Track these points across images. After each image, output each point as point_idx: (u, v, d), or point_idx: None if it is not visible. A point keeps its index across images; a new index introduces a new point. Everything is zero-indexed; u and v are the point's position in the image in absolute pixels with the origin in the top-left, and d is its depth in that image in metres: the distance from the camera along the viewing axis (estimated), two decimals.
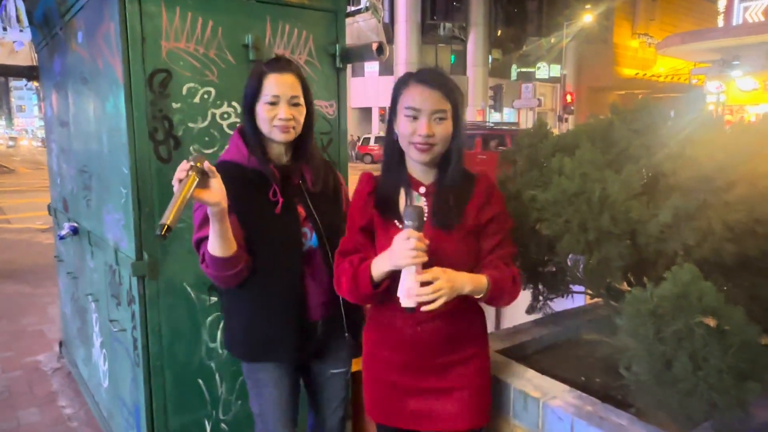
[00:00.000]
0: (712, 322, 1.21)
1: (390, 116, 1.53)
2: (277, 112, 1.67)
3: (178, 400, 2.19)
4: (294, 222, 1.75)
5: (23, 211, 10.55)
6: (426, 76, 1.46)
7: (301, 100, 1.73)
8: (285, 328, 1.76)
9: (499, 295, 1.49)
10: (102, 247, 2.51)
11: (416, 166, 1.53)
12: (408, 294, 1.34)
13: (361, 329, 1.89)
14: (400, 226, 1.48)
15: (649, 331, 1.28)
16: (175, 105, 2.05)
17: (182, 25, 2.04)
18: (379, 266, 1.43)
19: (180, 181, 1.43)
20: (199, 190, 1.47)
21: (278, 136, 1.69)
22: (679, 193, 1.48)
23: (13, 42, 3.04)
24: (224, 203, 1.52)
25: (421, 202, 1.51)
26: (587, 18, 29.97)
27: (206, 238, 1.62)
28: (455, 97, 1.46)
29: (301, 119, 1.74)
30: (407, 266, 1.34)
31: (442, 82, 1.45)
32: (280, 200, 1.72)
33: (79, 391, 3.43)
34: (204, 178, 1.48)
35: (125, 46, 1.95)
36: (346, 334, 1.84)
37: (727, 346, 1.20)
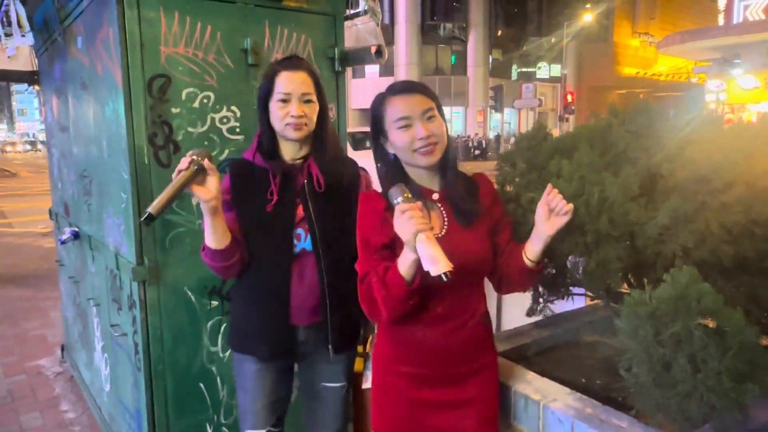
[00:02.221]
0: (711, 323, 1.21)
1: (375, 138, 1.52)
2: (289, 109, 1.68)
3: (180, 404, 2.19)
4: (287, 222, 1.73)
5: (25, 215, 10.57)
6: (399, 86, 1.49)
7: (314, 98, 1.73)
8: (265, 326, 1.78)
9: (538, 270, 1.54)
10: (103, 251, 2.52)
11: (422, 174, 1.51)
12: (434, 261, 1.25)
13: (349, 345, 1.89)
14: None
15: (648, 333, 1.28)
16: (174, 110, 2.06)
17: (181, 30, 2.05)
18: (403, 261, 1.35)
19: (179, 171, 1.52)
20: (196, 186, 1.55)
21: (291, 133, 1.70)
22: (677, 195, 1.47)
23: (6, 47, 3.04)
24: (216, 201, 1.59)
25: (437, 209, 1.50)
26: (587, 17, 29.96)
27: None
28: (434, 95, 1.50)
29: (314, 116, 1.73)
30: (416, 236, 1.28)
31: (417, 86, 1.49)
32: (274, 199, 1.72)
33: (81, 395, 3.43)
34: (202, 173, 1.55)
35: (124, 52, 1.96)
36: (329, 346, 1.79)
37: (725, 348, 1.20)
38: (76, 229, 3.02)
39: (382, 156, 1.54)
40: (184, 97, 2.08)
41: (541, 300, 2.02)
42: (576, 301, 2.03)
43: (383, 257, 1.46)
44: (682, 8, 42.39)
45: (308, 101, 1.71)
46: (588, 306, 2.36)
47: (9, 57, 3.30)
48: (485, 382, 1.58)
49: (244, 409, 1.85)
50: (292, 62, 1.74)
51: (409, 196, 1.34)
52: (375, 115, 1.50)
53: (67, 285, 3.63)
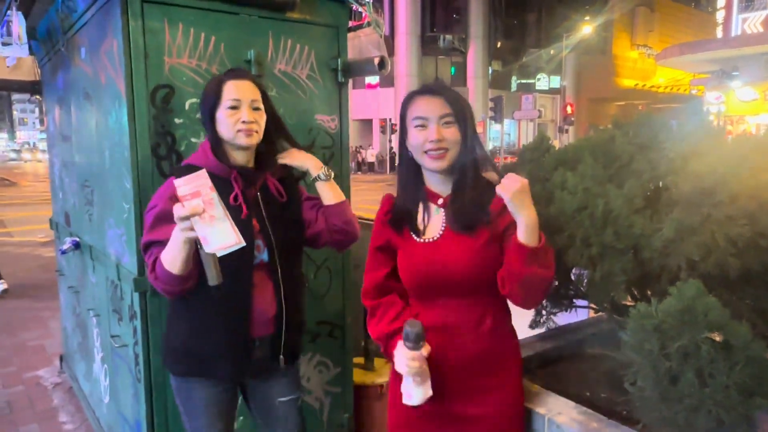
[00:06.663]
0: (717, 337, 1.21)
1: (401, 135, 1.56)
2: (240, 115, 1.67)
3: (180, 416, 2.17)
4: (249, 232, 1.68)
5: (25, 224, 10.55)
6: (427, 87, 1.52)
7: (261, 105, 1.73)
8: (227, 342, 1.72)
9: (544, 264, 1.38)
10: (104, 261, 2.51)
11: (433, 177, 1.54)
12: (408, 396, 1.45)
13: (297, 356, 1.89)
14: (417, 239, 1.53)
15: (654, 346, 1.27)
16: (177, 120, 2.06)
17: (185, 41, 2.05)
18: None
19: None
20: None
21: (243, 140, 1.69)
22: (682, 207, 1.47)
23: (6, 57, 3.06)
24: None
25: (440, 214, 1.53)
26: (586, 29, 30.17)
27: (159, 242, 1.61)
28: (459, 104, 1.49)
29: (263, 123, 1.74)
30: (405, 373, 1.43)
31: (443, 90, 1.51)
32: (243, 206, 1.69)
33: (80, 406, 3.41)
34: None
35: (128, 62, 1.96)
36: (281, 357, 1.79)
37: (733, 361, 1.20)
38: (77, 239, 3.01)
39: (402, 152, 1.57)
40: (187, 107, 2.08)
41: (544, 312, 2.01)
42: (579, 314, 2.03)
43: (379, 259, 1.60)
44: (681, 21, 42.69)
45: (257, 108, 1.71)
46: (592, 318, 2.35)
47: (9, 66, 3.32)
48: (501, 399, 1.55)
49: None
50: (237, 72, 1.74)
51: (412, 345, 1.39)
52: (402, 112, 1.54)
53: (66, 295, 3.61)
